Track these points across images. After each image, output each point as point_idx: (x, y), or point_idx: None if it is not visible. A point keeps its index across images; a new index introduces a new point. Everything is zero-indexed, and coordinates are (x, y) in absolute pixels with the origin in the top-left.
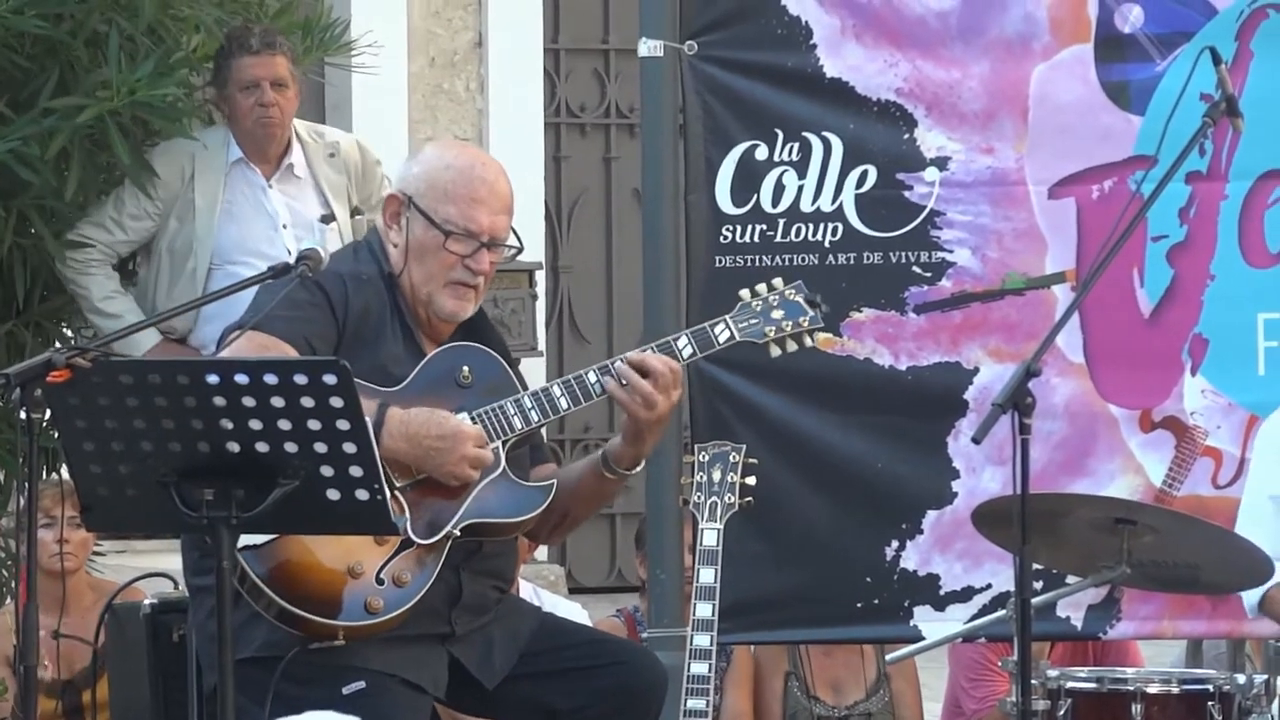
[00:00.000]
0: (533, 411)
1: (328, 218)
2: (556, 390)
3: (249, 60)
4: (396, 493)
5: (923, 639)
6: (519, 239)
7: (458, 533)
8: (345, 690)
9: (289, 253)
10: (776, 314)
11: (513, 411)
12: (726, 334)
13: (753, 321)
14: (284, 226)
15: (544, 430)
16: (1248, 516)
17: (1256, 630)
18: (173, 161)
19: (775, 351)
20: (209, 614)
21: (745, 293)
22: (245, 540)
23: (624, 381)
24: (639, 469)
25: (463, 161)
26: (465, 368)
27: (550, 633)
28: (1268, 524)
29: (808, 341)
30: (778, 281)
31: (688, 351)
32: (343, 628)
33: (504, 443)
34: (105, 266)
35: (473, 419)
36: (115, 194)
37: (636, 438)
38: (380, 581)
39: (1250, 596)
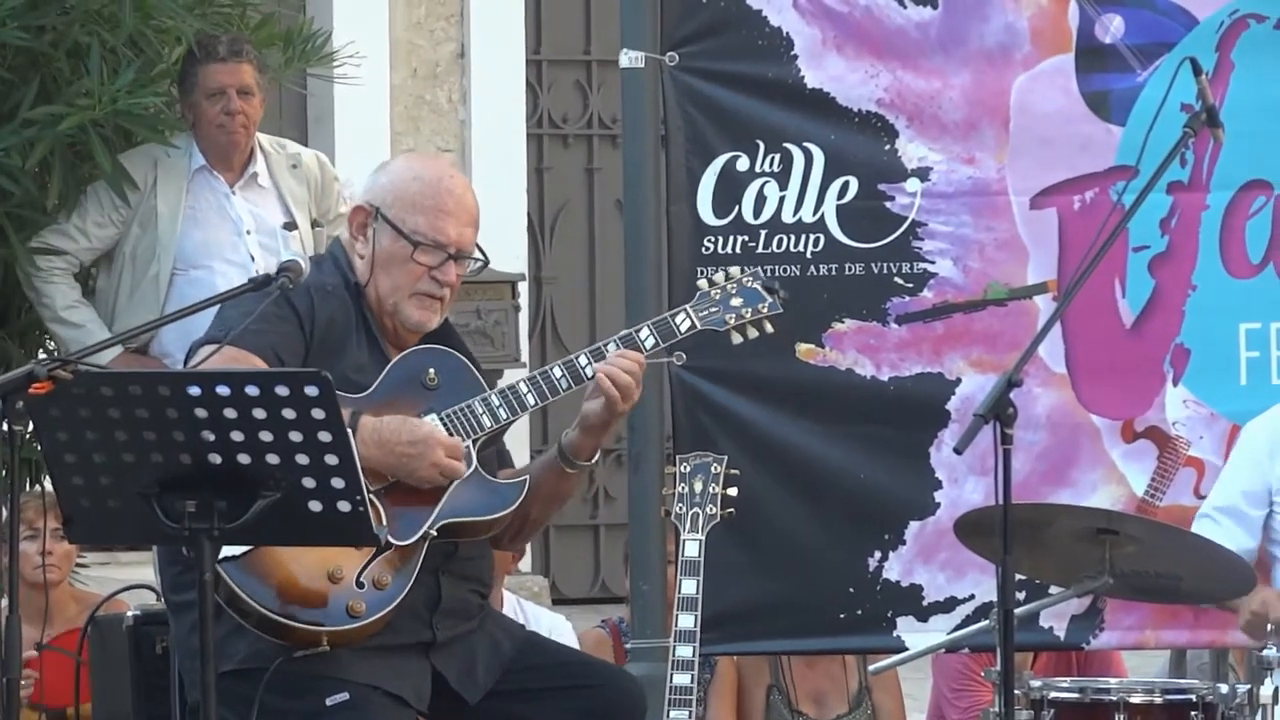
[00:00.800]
0: (501, 410)
1: (290, 225)
2: (523, 387)
3: (216, 67)
4: (371, 496)
5: (906, 649)
6: (484, 253)
7: (434, 533)
8: (329, 701)
9: (252, 259)
10: (735, 301)
11: (481, 410)
12: (688, 323)
13: (713, 310)
14: (248, 232)
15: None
16: (1207, 509)
17: (1239, 640)
18: (136, 169)
19: (736, 339)
20: (190, 629)
21: (703, 282)
22: (224, 551)
23: (607, 376)
24: (596, 460)
25: (431, 174)
26: (431, 370)
27: (533, 651)
28: (1224, 522)
29: (768, 328)
30: (734, 270)
31: (650, 342)
32: (326, 633)
33: (474, 442)
34: (68, 276)
35: (442, 420)
36: (79, 202)
37: (603, 428)
38: (361, 585)
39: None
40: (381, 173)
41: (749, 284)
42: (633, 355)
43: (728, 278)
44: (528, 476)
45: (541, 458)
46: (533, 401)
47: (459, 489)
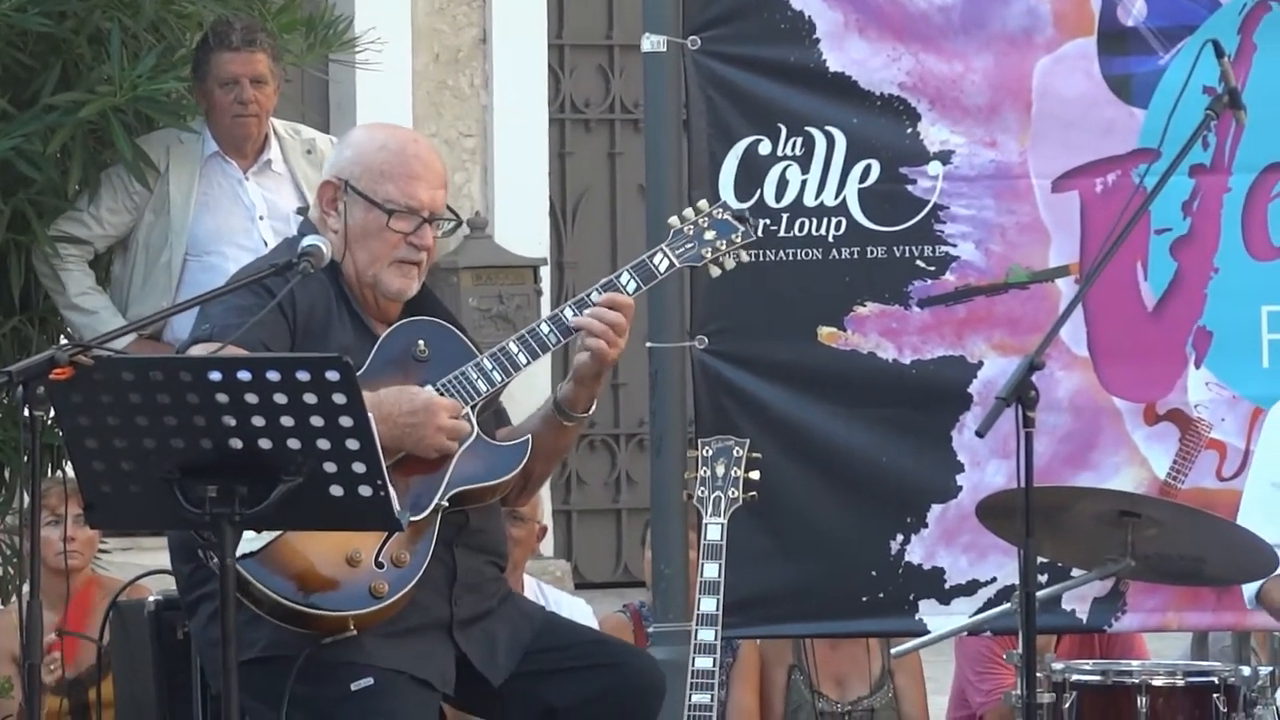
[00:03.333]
0: (494, 372)
1: (304, 210)
2: (513, 347)
3: (228, 56)
4: None
5: (928, 632)
6: (455, 214)
7: (446, 503)
8: (354, 687)
9: (265, 244)
10: (709, 235)
11: (475, 376)
12: (666, 262)
13: (688, 246)
14: (260, 218)
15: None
16: (1250, 507)
17: (1261, 623)
18: (149, 155)
19: (715, 271)
20: (208, 619)
21: (674, 220)
22: (240, 549)
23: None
24: (592, 410)
25: (395, 141)
26: (420, 342)
27: (553, 632)
28: (1269, 512)
29: (744, 256)
30: (703, 204)
31: (631, 286)
32: (352, 617)
33: (473, 407)
34: (82, 263)
35: (438, 390)
36: (93, 189)
37: (595, 378)
38: (380, 565)
39: (1248, 589)
40: (345, 146)
41: (720, 216)
42: (613, 300)
43: (697, 212)
44: (529, 436)
45: (537, 413)
46: (524, 361)
47: (463, 457)
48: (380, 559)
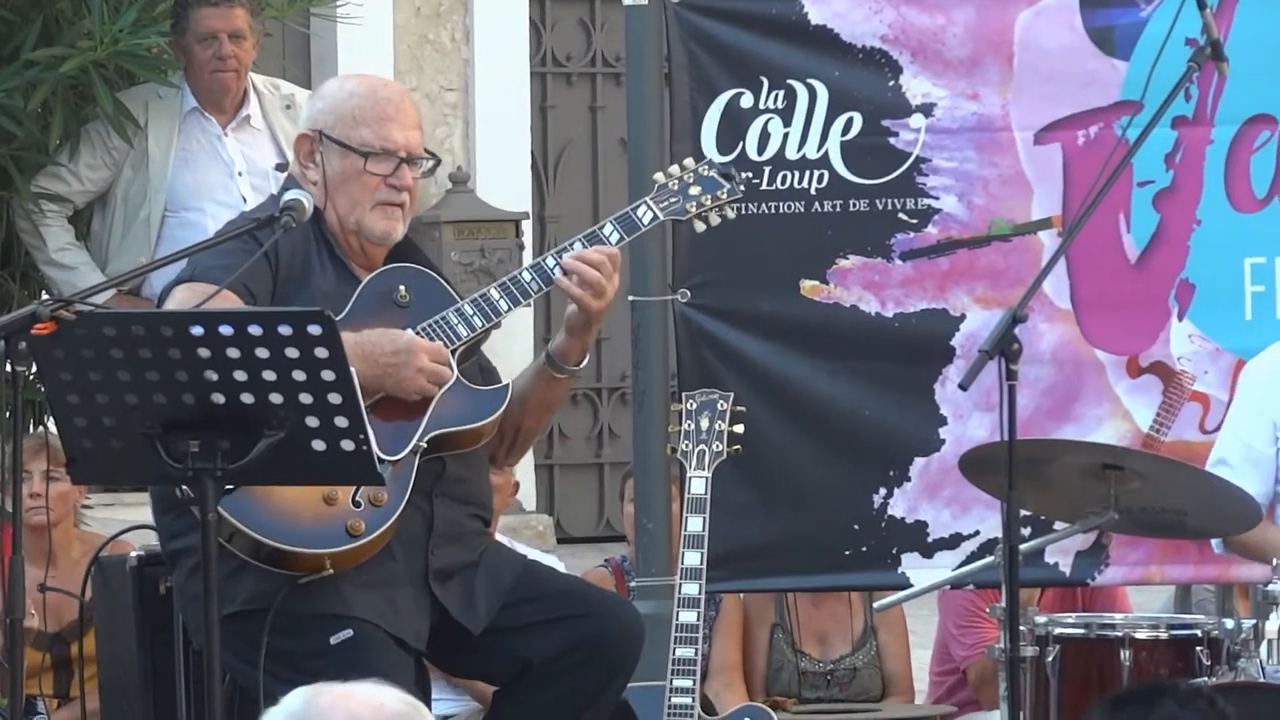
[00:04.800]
0: (475, 317)
1: (283, 166)
2: (495, 294)
3: (207, 12)
4: None
5: (910, 586)
6: (433, 155)
7: (424, 444)
8: (333, 640)
9: (244, 200)
10: (694, 190)
11: (455, 320)
12: (650, 215)
13: (673, 200)
14: (239, 174)
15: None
16: (1216, 459)
17: (1244, 575)
18: (129, 110)
19: (700, 226)
20: (190, 573)
21: (659, 175)
22: None
23: (572, 275)
24: (585, 363)
25: (365, 87)
26: (401, 287)
27: (532, 581)
28: (1238, 467)
29: (729, 213)
30: (689, 161)
31: (615, 238)
32: (329, 555)
33: (453, 352)
34: (61, 219)
35: (419, 334)
36: (73, 145)
37: (585, 328)
38: (357, 504)
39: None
40: (316, 99)
41: (705, 172)
42: (595, 252)
43: (683, 168)
44: (509, 381)
45: (530, 366)
46: (505, 307)
47: (443, 400)
48: (357, 498)
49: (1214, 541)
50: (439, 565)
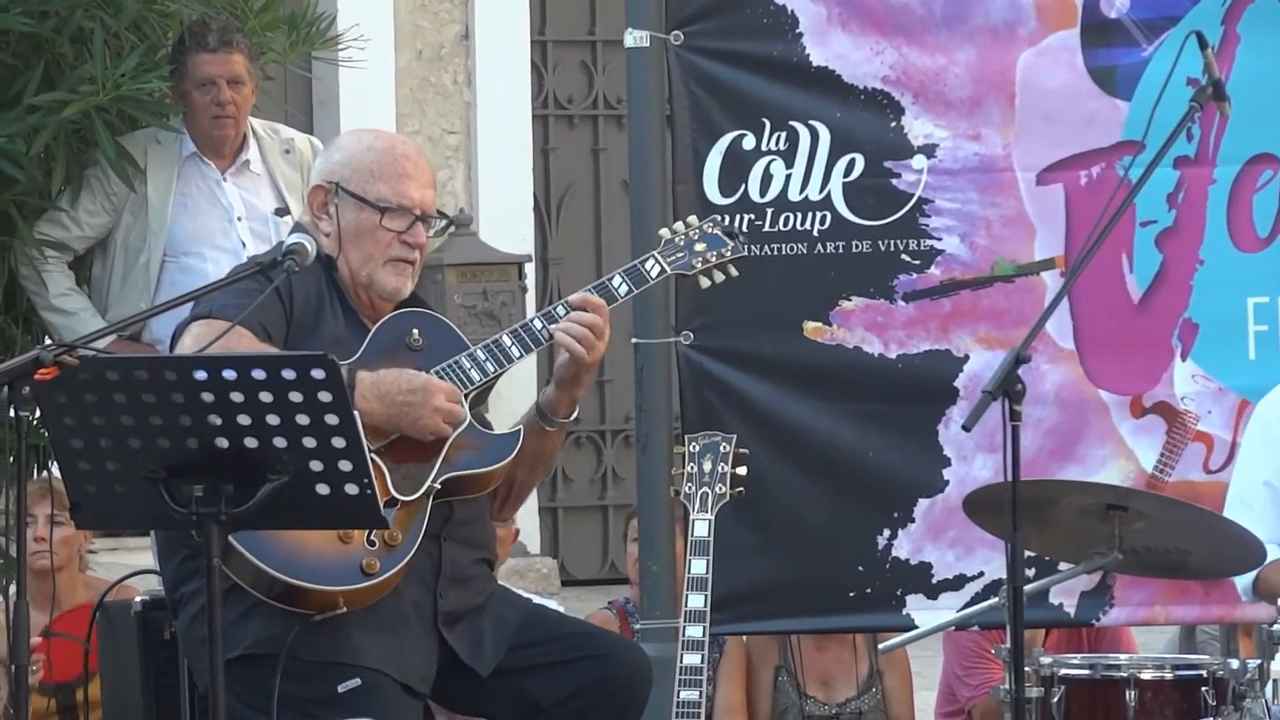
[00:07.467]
0: (488, 363)
1: (282, 210)
2: (507, 340)
3: (205, 58)
4: (374, 456)
5: (915, 627)
6: (445, 215)
7: (438, 486)
8: (341, 689)
9: (244, 245)
10: (699, 246)
11: (469, 365)
12: (657, 269)
13: (679, 255)
14: (239, 219)
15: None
16: (1235, 504)
17: (1249, 615)
18: (131, 155)
19: (705, 282)
20: (194, 618)
21: (665, 231)
22: None
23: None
24: (574, 416)
25: (383, 143)
26: (414, 331)
27: (538, 624)
28: (1260, 508)
29: (732, 271)
30: (692, 219)
31: (624, 290)
32: (342, 593)
33: (465, 396)
34: (61, 264)
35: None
36: (75, 190)
37: (575, 381)
38: (372, 543)
39: (1242, 582)
40: (333, 150)
41: (710, 230)
42: (589, 304)
43: (688, 225)
44: (521, 427)
45: (521, 419)
46: (517, 354)
47: (457, 443)
48: (372, 537)
49: (1240, 587)
50: (447, 608)
